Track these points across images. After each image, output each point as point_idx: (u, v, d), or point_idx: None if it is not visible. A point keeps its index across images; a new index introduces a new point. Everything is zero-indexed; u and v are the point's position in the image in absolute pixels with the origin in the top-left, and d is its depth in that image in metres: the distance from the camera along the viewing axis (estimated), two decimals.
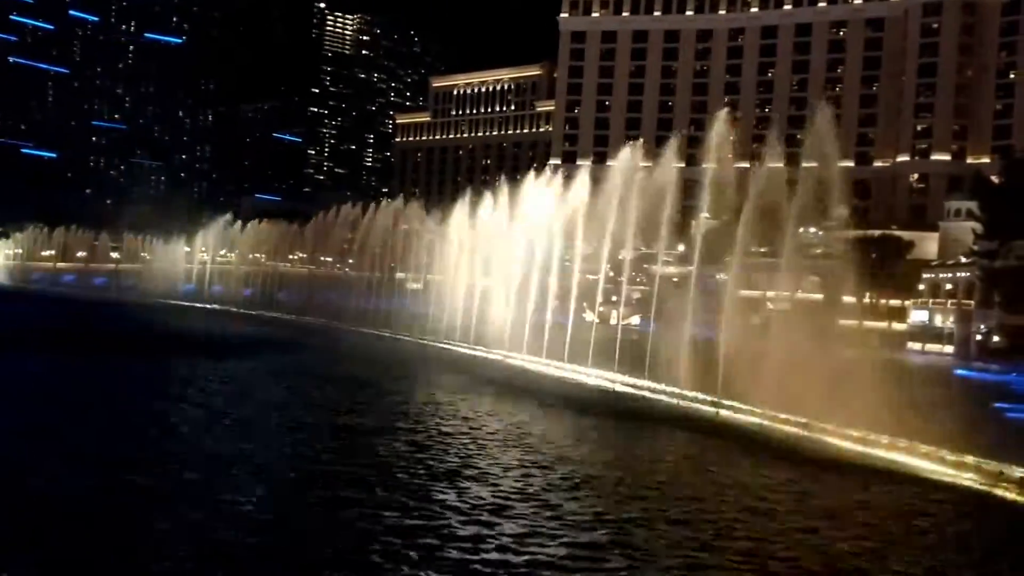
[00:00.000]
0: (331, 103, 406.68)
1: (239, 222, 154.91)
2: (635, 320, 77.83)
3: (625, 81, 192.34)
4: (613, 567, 17.59)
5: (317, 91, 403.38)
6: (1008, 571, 20.21)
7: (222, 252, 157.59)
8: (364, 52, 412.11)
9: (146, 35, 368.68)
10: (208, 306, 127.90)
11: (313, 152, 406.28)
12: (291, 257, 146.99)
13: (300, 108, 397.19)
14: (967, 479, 28.27)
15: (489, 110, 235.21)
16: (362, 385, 45.98)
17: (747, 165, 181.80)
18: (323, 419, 33.75)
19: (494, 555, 17.74)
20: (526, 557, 17.67)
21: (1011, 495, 26.27)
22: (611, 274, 75.97)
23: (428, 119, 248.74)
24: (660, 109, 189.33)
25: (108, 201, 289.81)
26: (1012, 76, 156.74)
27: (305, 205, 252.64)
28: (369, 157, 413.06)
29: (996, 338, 73.24)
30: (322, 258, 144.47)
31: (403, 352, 72.00)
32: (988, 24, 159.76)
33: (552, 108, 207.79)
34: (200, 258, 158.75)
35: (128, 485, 21.39)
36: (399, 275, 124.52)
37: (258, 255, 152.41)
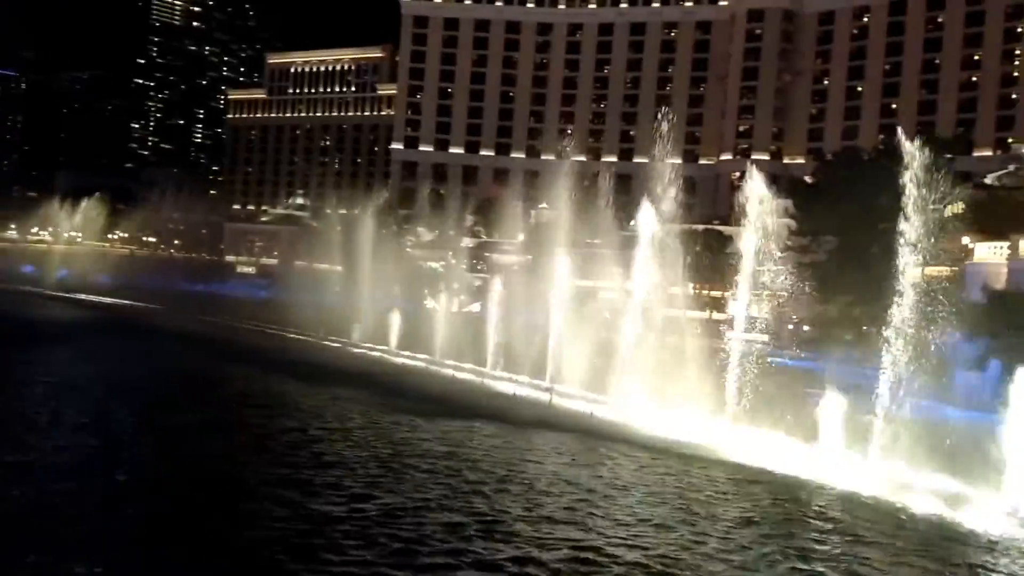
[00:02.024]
0: (158, 75, 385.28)
1: (57, 199, 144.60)
2: (475, 307, 78.44)
3: (468, 69, 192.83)
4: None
5: (143, 62, 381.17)
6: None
7: (34, 230, 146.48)
8: (195, 24, 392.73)
9: None
10: (17, 287, 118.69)
11: (137, 126, 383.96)
12: (111, 236, 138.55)
13: (124, 79, 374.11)
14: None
15: (329, 90, 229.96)
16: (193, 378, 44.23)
17: (584, 159, 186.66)
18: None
19: None
20: None
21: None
22: (453, 262, 76.38)
23: (263, 96, 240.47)
24: (502, 99, 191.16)
25: None
26: (826, 82, 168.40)
27: (128, 182, 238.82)
28: (199, 133, 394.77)
29: (806, 328, 78.83)
30: (145, 238, 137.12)
31: (239, 340, 69.65)
32: (806, 32, 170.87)
33: (394, 92, 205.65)
34: (8, 236, 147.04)
35: None
36: (229, 258, 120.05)
37: (75, 234, 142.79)
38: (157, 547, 18.21)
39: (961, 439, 31.21)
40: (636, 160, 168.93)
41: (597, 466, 29.10)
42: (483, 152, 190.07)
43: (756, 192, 46.31)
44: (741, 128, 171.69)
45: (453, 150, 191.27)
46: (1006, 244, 62.32)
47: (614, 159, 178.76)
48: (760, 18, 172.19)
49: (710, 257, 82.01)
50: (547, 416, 39.56)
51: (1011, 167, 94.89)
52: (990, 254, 64.72)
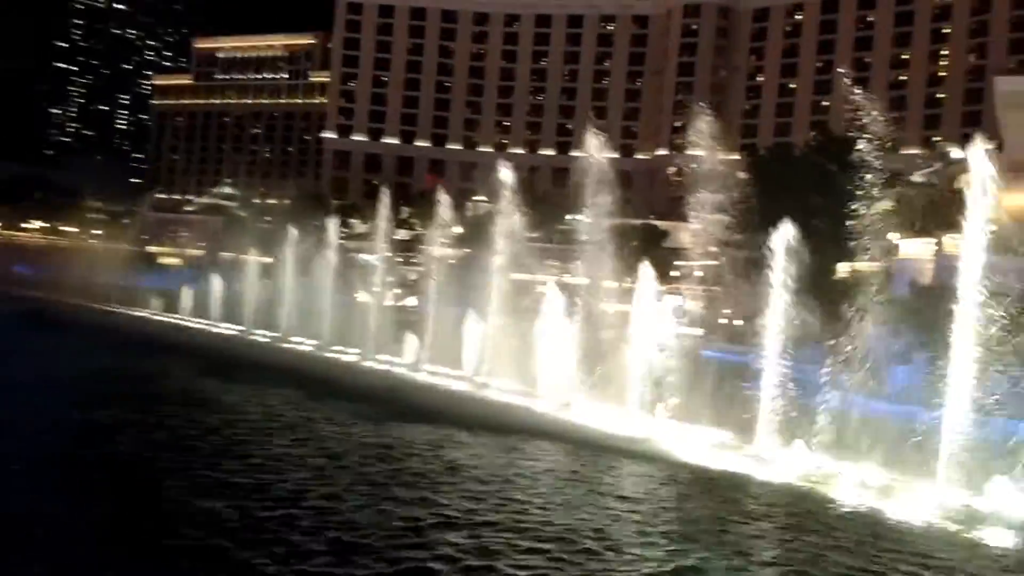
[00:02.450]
0: (80, 59, 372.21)
1: None
2: (411, 301, 77.20)
3: (403, 57, 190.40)
4: None
5: (65, 46, 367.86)
6: None
7: None
8: (119, 6, 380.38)
9: None
10: None
11: (58, 112, 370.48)
12: (25, 226, 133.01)
13: (43, 63, 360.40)
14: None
15: (259, 76, 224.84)
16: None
17: (522, 151, 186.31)
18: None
19: None
20: None
21: None
22: (387, 254, 75.04)
23: (190, 82, 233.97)
24: (438, 89, 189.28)
25: None
26: (760, 79, 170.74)
27: (47, 169, 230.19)
28: (122, 119, 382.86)
29: (738, 322, 79.49)
30: (62, 228, 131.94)
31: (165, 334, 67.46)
32: (741, 29, 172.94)
33: (327, 79, 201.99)
34: None
35: None
36: (151, 249, 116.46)
37: None
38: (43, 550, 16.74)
39: (884, 431, 31.47)
40: (573, 154, 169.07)
41: (512, 454, 28.41)
42: (419, 143, 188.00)
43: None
44: (676, 123, 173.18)
45: (387, 140, 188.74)
46: (932, 240, 63.50)
47: (552, 152, 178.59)
48: (696, 14, 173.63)
49: (646, 252, 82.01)
50: (480, 411, 38.87)
51: (937, 166, 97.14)
52: (917, 250, 65.94)
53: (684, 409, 37.83)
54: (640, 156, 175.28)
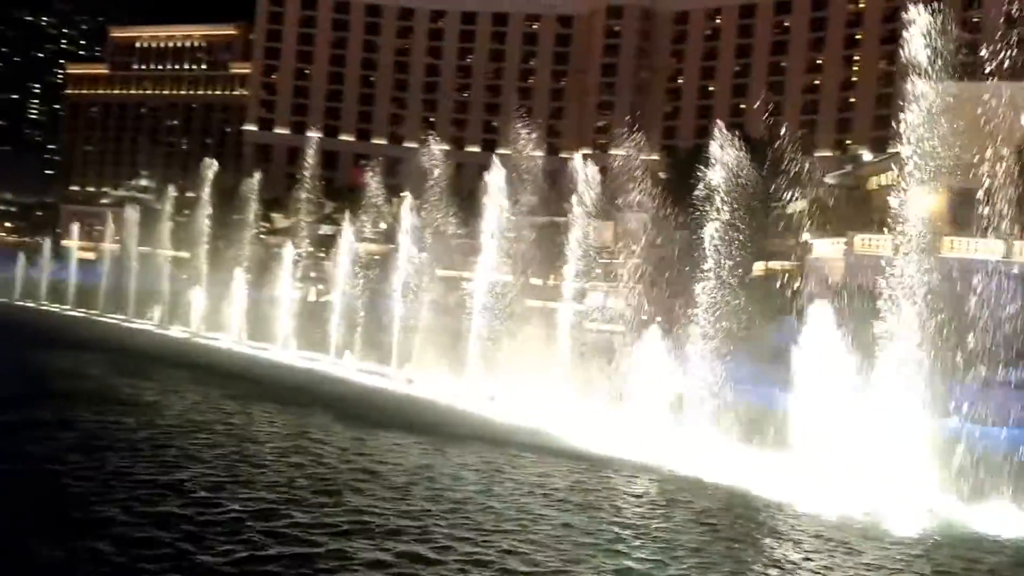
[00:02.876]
0: None
1: None
2: (333, 296, 76.67)
3: (327, 51, 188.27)
4: None
5: None
6: None
7: None
8: None
9: None
10: None
11: None
12: None
13: None
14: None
15: (177, 67, 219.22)
16: None
17: (447, 147, 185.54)
18: None
19: None
20: None
21: None
22: (310, 249, 74.47)
23: (106, 71, 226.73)
24: (362, 84, 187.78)
25: None
26: (680, 81, 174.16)
27: None
28: (34, 109, 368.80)
29: (658, 318, 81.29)
30: None
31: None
32: (662, 31, 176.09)
33: (248, 71, 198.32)
34: None
35: None
36: (65, 243, 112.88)
37: None
38: None
39: (790, 421, 32.46)
40: (499, 151, 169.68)
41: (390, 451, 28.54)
42: (343, 137, 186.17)
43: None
44: (600, 123, 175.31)
45: (311, 134, 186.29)
46: (843, 240, 66.00)
47: (477, 149, 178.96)
48: (619, 15, 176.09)
49: (572, 250, 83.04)
50: (405, 406, 39.08)
51: (848, 168, 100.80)
52: (828, 250, 68.32)
53: (591, 400, 39.02)
54: (565, 155, 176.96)
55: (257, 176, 78.50)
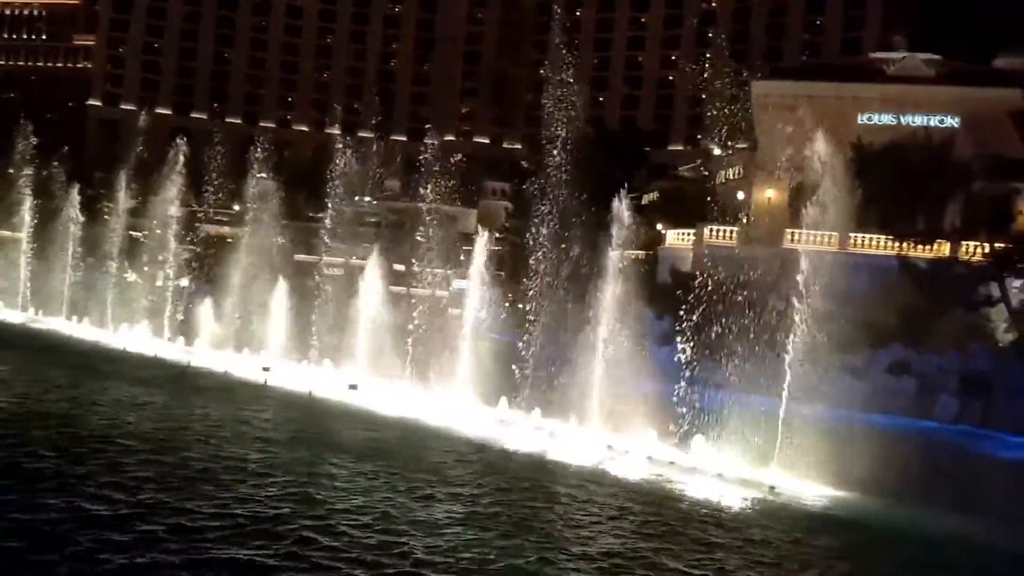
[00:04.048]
0: None
1: None
2: (184, 282, 73.89)
3: (178, 25, 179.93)
4: None
5: None
6: None
7: None
8: None
9: None
10: None
11: None
12: None
13: None
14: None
15: (14, 37, 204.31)
16: None
17: (306, 129, 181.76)
18: None
19: None
20: None
21: None
22: (159, 232, 71.32)
23: None
24: (216, 61, 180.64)
25: None
26: (542, 72, 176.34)
27: None
28: None
29: (520, 305, 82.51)
30: None
31: None
32: (525, 23, 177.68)
33: (93, 43, 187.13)
34: None
35: None
36: None
37: None
38: None
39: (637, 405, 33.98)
40: (361, 135, 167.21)
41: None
42: (195, 115, 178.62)
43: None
44: (464, 111, 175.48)
45: (161, 110, 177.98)
46: (691, 231, 68.70)
47: (337, 131, 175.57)
48: (483, 2, 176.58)
49: (433, 236, 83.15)
50: (264, 394, 38.31)
51: (698, 161, 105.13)
52: (678, 240, 70.83)
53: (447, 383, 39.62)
54: (429, 141, 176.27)
55: (102, 154, 74.50)
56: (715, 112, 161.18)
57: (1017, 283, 55.30)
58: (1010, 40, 78.77)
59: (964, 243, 56.46)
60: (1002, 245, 54.30)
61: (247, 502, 20.48)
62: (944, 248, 56.74)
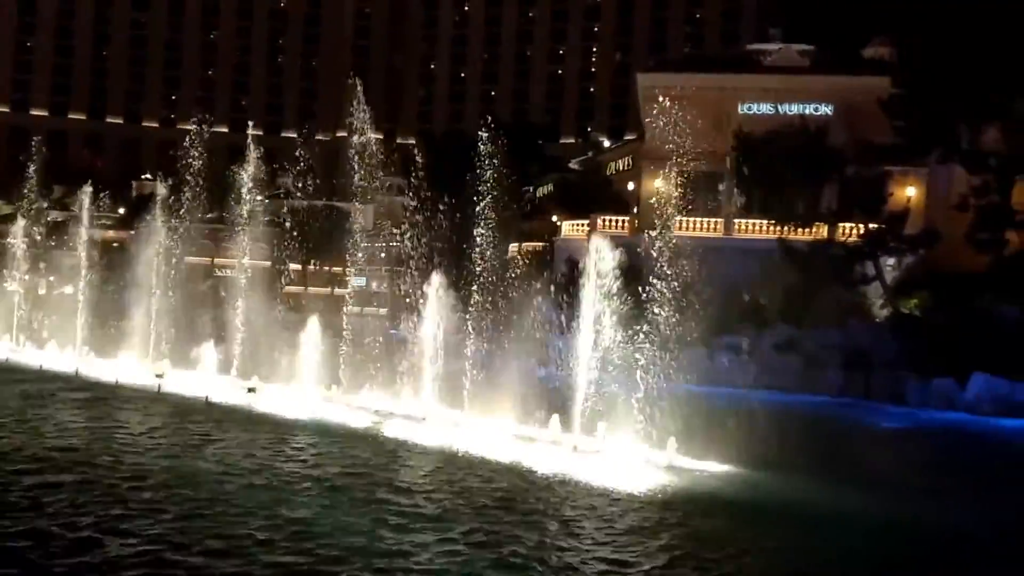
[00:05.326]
0: None
1: None
2: (68, 289, 71.08)
3: (53, 22, 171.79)
4: None
5: None
6: None
7: None
8: None
9: None
10: None
11: None
12: None
13: None
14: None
15: None
16: None
17: (192, 127, 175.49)
18: None
19: None
20: None
21: None
22: (38, 238, 68.30)
23: None
24: (94, 58, 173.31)
25: None
26: (432, 67, 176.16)
27: None
28: None
29: (406, 301, 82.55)
30: None
31: None
32: (414, 17, 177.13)
33: None
34: None
35: None
36: None
37: None
38: None
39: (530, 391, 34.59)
40: (250, 132, 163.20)
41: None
42: (73, 115, 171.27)
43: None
44: (354, 106, 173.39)
45: (35, 112, 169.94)
46: (586, 222, 70.09)
47: (225, 129, 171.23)
48: None
49: (330, 233, 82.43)
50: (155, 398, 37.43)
51: (590, 153, 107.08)
52: (573, 231, 72.09)
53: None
54: (320, 136, 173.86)
55: None
56: (603, 104, 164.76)
57: (891, 261, 58.69)
58: (878, 30, 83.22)
59: (840, 225, 59.43)
60: (875, 226, 57.46)
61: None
62: (822, 230, 59.60)
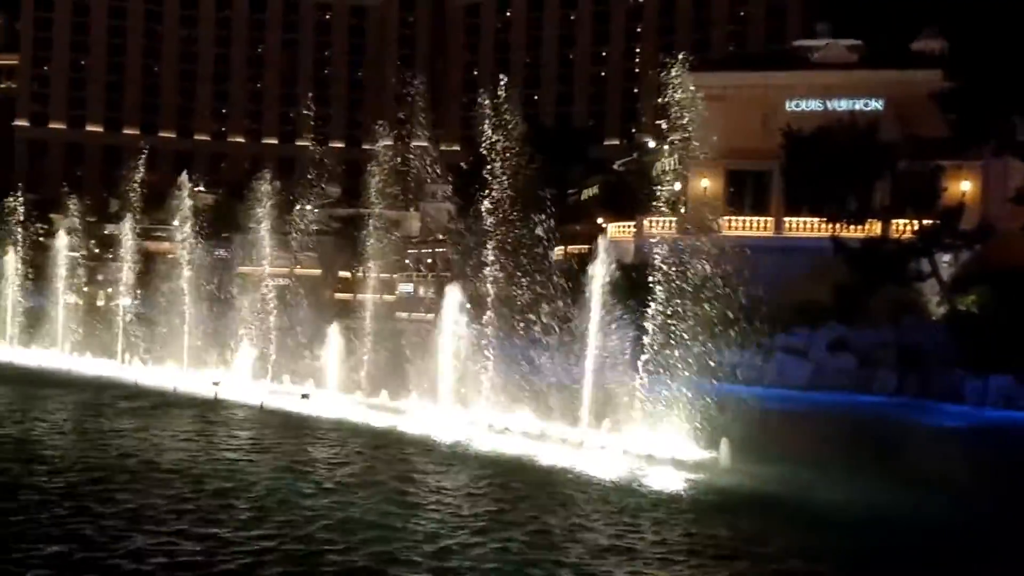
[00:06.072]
0: None
1: None
2: (127, 301, 72.79)
3: (104, 40, 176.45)
4: None
5: None
6: None
7: None
8: None
9: None
10: None
11: None
12: None
13: None
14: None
15: None
16: None
17: (242, 140, 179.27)
18: None
19: None
20: None
21: None
22: (96, 251, 70.03)
23: None
24: (145, 74, 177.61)
25: None
26: (476, 73, 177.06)
27: None
28: None
29: (468, 306, 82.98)
30: None
31: None
32: (456, 24, 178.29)
33: (16, 62, 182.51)
34: None
35: None
36: None
37: None
38: None
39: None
40: (298, 143, 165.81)
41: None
42: (126, 130, 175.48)
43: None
44: (400, 115, 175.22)
45: (91, 128, 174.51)
46: (632, 224, 69.79)
47: (275, 141, 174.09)
48: (411, 7, 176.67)
49: (377, 240, 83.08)
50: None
51: (635, 155, 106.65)
52: (619, 233, 71.79)
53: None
54: (366, 146, 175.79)
55: (31, 175, 72.78)
56: (648, 105, 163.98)
57: (946, 257, 57.43)
58: (927, 22, 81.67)
59: (893, 221, 58.34)
60: (929, 222, 56.29)
61: None
62: (875, 227, 58.54)
